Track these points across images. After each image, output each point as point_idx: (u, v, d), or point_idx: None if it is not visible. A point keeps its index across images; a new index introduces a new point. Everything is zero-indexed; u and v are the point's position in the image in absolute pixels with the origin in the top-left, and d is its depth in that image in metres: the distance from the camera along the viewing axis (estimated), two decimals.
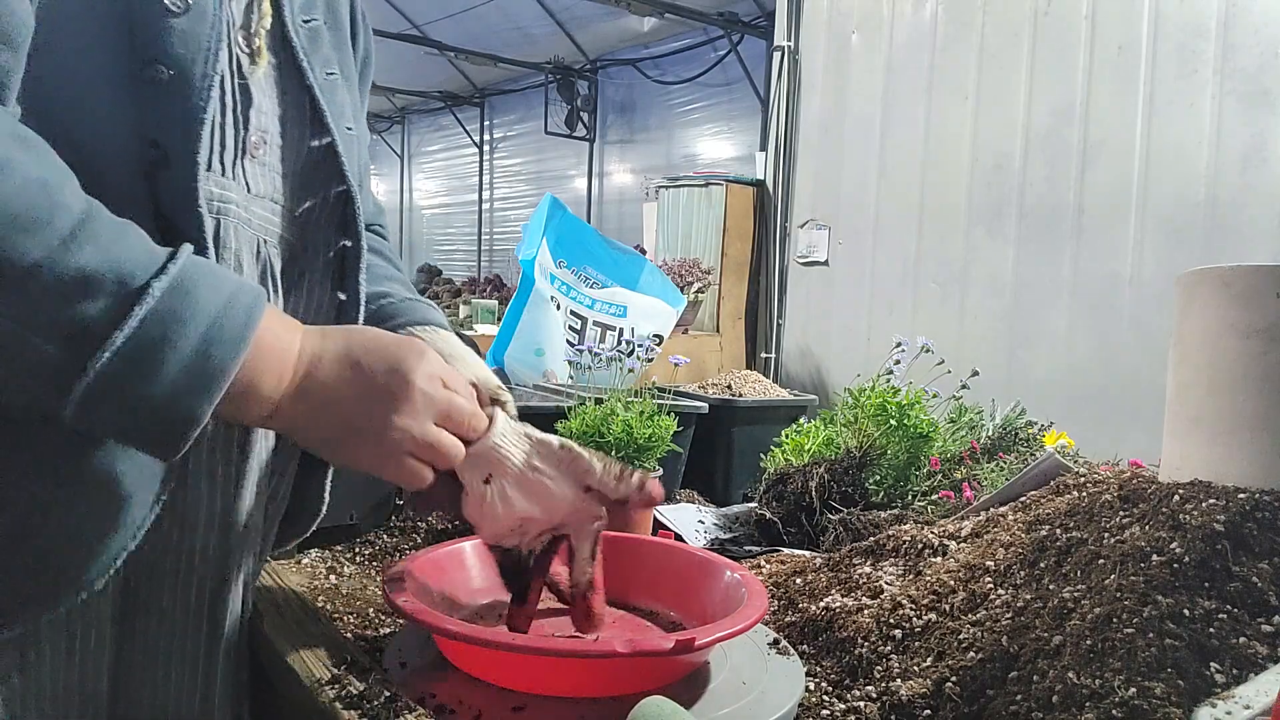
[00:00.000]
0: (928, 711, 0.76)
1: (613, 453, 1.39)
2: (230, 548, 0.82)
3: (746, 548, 1.45)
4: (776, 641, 0.90)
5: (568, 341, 2.18)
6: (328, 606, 1.04)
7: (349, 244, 0.87)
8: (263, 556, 0.95)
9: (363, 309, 0.89)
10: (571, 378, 1.99)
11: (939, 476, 1.47)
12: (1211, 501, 0.84)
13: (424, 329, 0.91)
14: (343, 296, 0.88)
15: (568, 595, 0.86)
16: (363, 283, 0.89)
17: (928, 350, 1.70)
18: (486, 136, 10.63)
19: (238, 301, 0.61)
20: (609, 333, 2.28)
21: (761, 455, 1.64)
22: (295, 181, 0.81)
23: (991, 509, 1.15)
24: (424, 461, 0.71)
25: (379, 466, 0.69)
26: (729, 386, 1.97)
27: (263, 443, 0.85)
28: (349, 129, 0.84)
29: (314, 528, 0.98)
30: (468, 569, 0.98)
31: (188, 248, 0.61)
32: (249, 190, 0.75)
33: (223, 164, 0.72)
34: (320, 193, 0.84)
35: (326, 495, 0.96)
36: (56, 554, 0.68)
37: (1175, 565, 0.78)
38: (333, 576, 1.21)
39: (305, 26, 0.79)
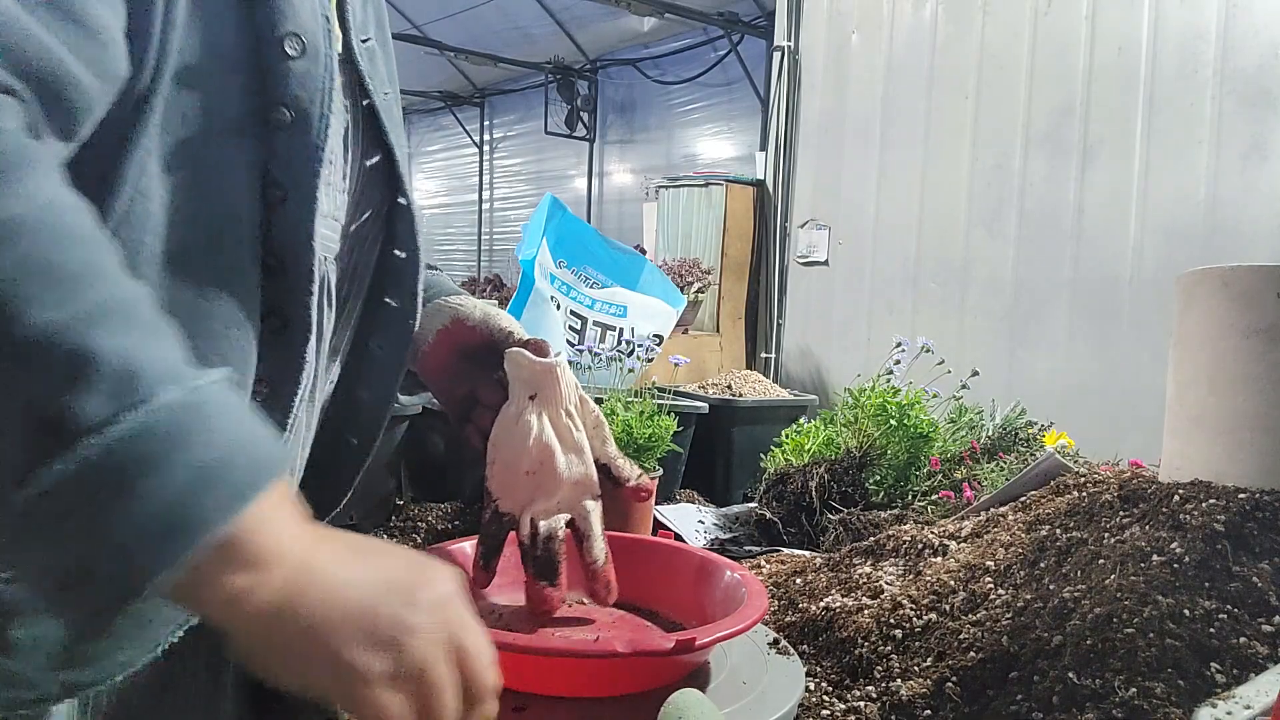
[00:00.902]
0: (928, 711, 0.76)
1: None
2: None
3: (746, 548, 1.45)
4: (776, 641, 0.90)
5: (568, 341, 2.18)
6: None
7: (403, 254, 0.87)
8: None
9: (418, 318, 0.89)
10: None
11: (939, 476, 1.47)
12: (1212, 501, 0.84)
13: (457, 298, 0.93)
14: (393, 303, 0.88)
15: (585, 572, 0.89)
16: (420, 291, 0.88)
17: (928, 350, 1.70)
18: (486, 136, 10.63)
19: (255, 449, 0.50)
20: (609, 333, 2.28)
21: (761, 455, 1.64)
22: (353, 198, 0.81)
23: (991, 509, 1.15)
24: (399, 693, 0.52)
25: (348, 685, 0.52)
26: (729, 386, 1.97)
27: (301, 456, 0.84)
28: (402, 145, 0.85)
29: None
30: (467, 569, 0.98)
31: (215, 375, 0.51)
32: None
33: None
34: (373, 207, 0.84)
35: (349, 494, 0.96)
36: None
37: (1175, 565, 0.78)
38: None
39: (364, 46, 0.79)
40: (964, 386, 1.72)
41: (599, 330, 2.28)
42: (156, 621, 0.70)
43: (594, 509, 0.89)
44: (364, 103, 0.79)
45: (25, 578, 0.49)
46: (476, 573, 0.90)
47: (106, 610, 0.46)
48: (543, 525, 0.87)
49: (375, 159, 0.82)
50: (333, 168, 0.76)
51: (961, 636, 0.83)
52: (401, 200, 0.85)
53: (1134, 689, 0.67)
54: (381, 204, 0.85)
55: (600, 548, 0.88)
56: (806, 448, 1.58)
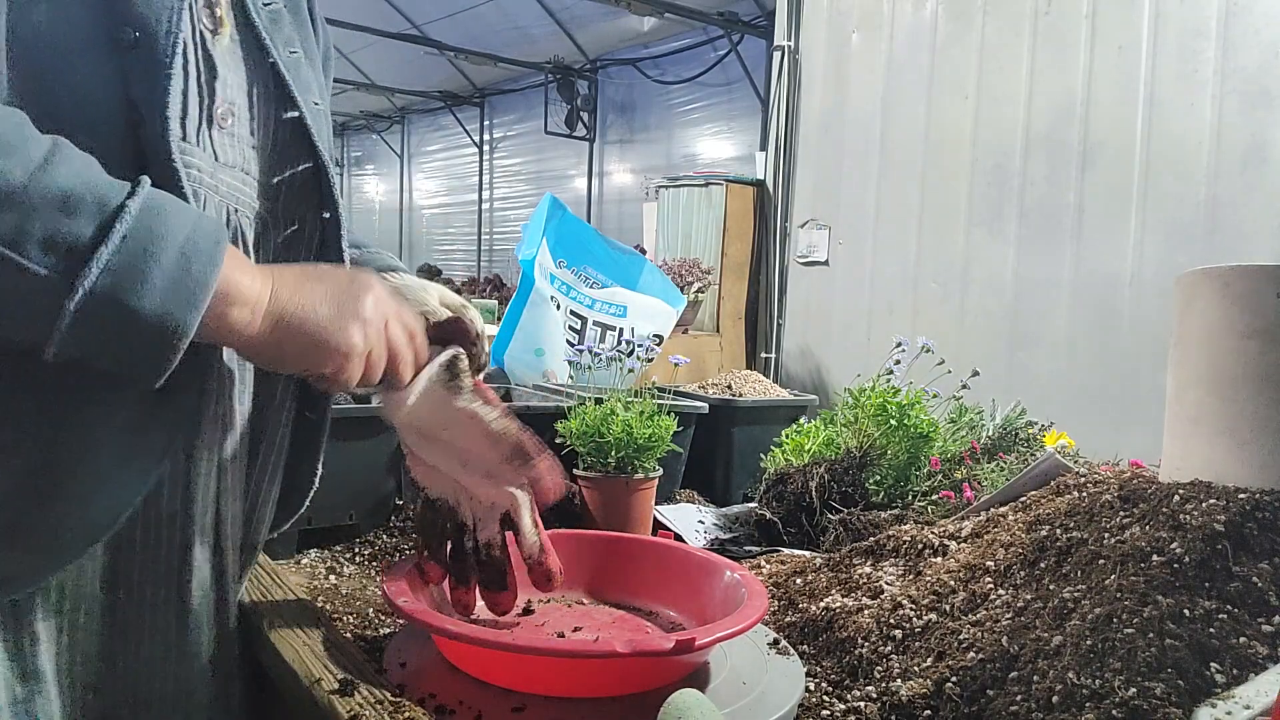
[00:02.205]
0: (928, 712, 0.76)
1: (613, 453, 1.39)
2: (194, 516, 0.82)
3: (746, 548, 1.45)
4: (776, 641, 0.90)
5: (568, 341, 2.18)
6: (328, 606, 1.04)
7: (327, 215, 0.89)
8: (253, 536, 0.94)
9: None
10: (571, 378, 1.99)
11: (939, 476, 1.47)
12: (1212, 501, 0.84)
13: (390, 275, 0.95)
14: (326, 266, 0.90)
15: (524, 562, 0.88)
16: (345, 250, 0.92)
17: (928, 350, 1.70)
18: (486, 136, 10.63)
19: (203, 224, 0.66)
20: (609, 333, 2.28)
21: (761, 455, 1.64)
22: (268, 154, 0.84)
23: (992, 509, 1.15)
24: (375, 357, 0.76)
25: (344, 356, 0.73)
26: (729, 386, 1.97)
27: (238, 409, 0.85)
28: (315, 104, 0.87)
29: (305, 505, 0.99)
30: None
31: (146, 179, 0.65)
32: (216, 159, 0.78)
33: (184, 129, 0.75)
34: (293, 166, 0.87)
35: (319, 468, 0.97)
36: (80, 499, 0.71)
37: (1175, 565, 0.78)
38: (333, 577, 1.21)
39: (266, 9, 0.83)
40: (964, 386, 1.72)
41: (599, 330, 2.27)
42: (81, 514, 0.72)
43: (523, 500, 0.88)
44: (269, 61, 0.82)
45: (99, 361, 0.64)
46: (427, 566, 0.88)
47: (166, 359, 0.63)
48: (481, 537, 0.86)
49: (292, 114, 0.85)
50: (235, 119, 0.79)
51: (961, 636, 0.83)
52: (311, 162, 0.87)
53: (1134, 689, 0.67)
54: (300, 162, 0.87)
55: (532, 540, 0.87)
56: (806, 448, 1.58)
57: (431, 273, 8.94)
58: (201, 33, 0.75)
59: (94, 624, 0.77)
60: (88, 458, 0.71)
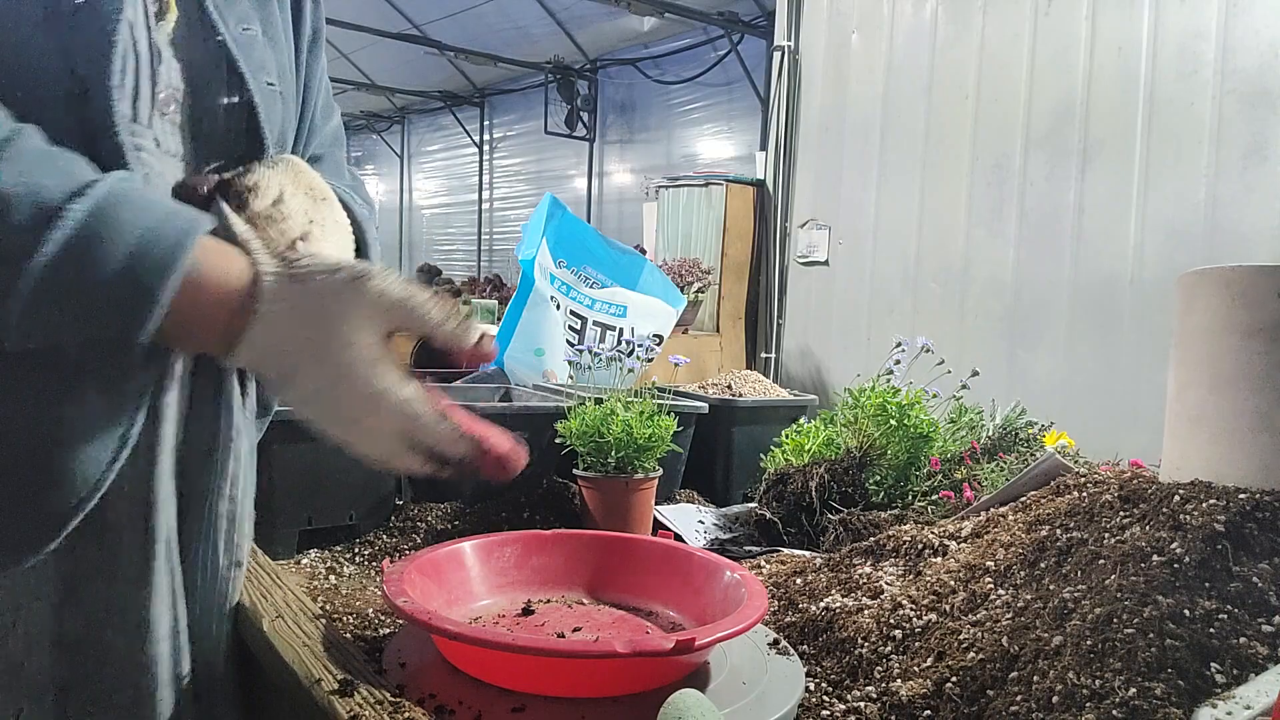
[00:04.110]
0: (928, 712, 0.76)
1: (613, 453, 1.39)
2: (156, 480, 0.79)
3: (746, 548, 1.44)
4: (776, 641, 0.90)
5: (567, 341, 2.18)
6: (328, 606, 1.04)
7: None
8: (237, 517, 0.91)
9: None
10: (571, 377, 1.99)
11: (939, 476, 1.47)
12: (1212, 501, 0.84)
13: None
14: None
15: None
16: None
17: (928, 350, 1.70)
18: (486, 136, 10.64)
19: (169, 225, 0.62)
20: (609, 333, 2.28)
21: (761, 455, 1.64)
22: (207, 141, 0.80)
23: (992, 509, 1.15)
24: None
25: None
26: (729, 386, 1.97)
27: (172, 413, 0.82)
28: (270, 84, 0.83)
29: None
30: (467, 569, 0.98)
31: (117, 174, 0.63)
32: (158, 145, 0.76)
33: (135, 110, 0.73)
34: (236, 152, 0.82)
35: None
36: (65, 465, 0.70)
37: (1175, 565, 0.78)
38: (332, 576, 1.21)
39: None
40: (964, 386, 1.72)
41: (599, 330, 2.28)
42: (71, 470, 0.71)
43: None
44: (217, 39, 0.78)
45: (66, 344, 0.65)
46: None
47: (132, 335, 0.61)
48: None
49: (235, 99, 0.80)
50: (177, 105, 0.76)
51: (961, 636, 0.83)
52: (258, 146, 0.82)
53: (1134, 689, 0.67)
54: (244, 148, 0.82)
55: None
56: (806, 448, 1.58)
57: (431, 273, 8.94)
58: (147, 14, 0.72)
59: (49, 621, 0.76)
60: (70, 424, 0.70)
